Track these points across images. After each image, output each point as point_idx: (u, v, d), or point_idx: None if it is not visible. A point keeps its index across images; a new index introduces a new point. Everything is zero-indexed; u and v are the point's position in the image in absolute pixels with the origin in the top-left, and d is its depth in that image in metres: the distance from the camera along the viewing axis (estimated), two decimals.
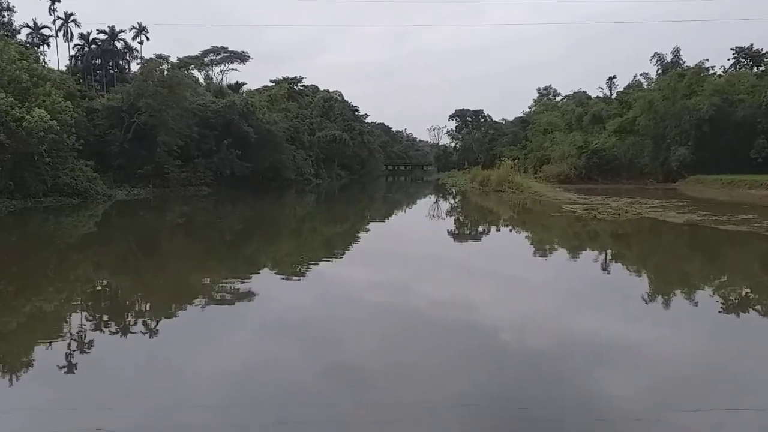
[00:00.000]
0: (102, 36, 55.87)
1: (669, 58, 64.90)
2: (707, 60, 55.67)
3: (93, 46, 55.82)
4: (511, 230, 23.52)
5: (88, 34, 55.25)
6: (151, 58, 47.28)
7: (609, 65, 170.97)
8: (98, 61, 56.44)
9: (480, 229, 24.53)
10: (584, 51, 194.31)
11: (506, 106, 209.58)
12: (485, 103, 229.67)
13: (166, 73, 41.35)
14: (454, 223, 27.05)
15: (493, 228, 24.13)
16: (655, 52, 65.27)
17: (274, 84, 75.02)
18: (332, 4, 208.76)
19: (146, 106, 39.61)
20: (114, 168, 41.71)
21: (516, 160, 47.24)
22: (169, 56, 47.71)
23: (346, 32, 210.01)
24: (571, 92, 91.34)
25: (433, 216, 30.34)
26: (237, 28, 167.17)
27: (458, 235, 22.19)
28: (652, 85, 62.92)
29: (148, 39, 57.66)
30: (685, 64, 62.75)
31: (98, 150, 41.71)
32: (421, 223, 26.93)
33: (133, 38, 57.42)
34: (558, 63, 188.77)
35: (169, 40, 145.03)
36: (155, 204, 37.14)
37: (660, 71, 65.28)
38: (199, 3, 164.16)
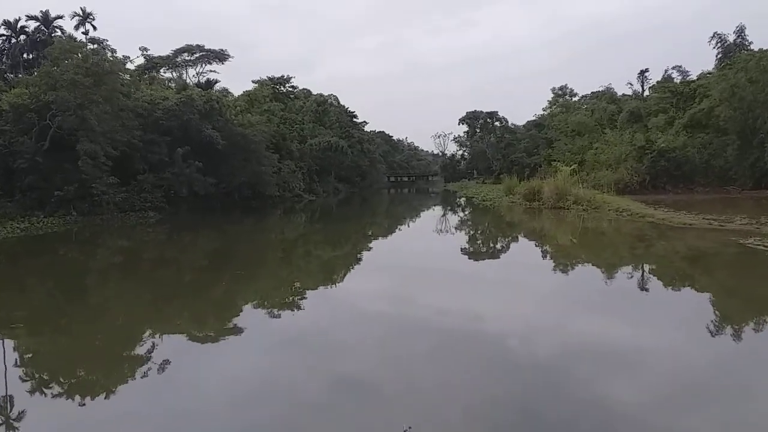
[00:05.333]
0: (33, 24, 44.49)
1: (731, 38, 54.05)
2: None
3: (22, 36, 44.40)
4: None
5: (16, 21, 43.87)
6: (69, 36, 35.42)
7: (609, 70, 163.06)
8: (31, 55, 44.91)
9: None
10: (581, 57, 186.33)
11: (509, 112, 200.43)
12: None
13: (91, 58, 29.58)
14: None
15: None
16: (715, 32, 54.62)
17: (256, 85, 63.47)
18: (326, 20, 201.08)
19: (60, 102, 28.05)
20: (22, 190, 30.14)
21: (573, 165, 35.44)
22: (105, 40, 36.41)
23: (340, 47, 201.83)
24: (590, 92, 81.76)
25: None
26: (224, 42, 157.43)
27: None
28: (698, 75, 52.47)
29: (95, 28, 46.19)
30: (751, 45, 51.99)
31: (2, 166, 30.25)
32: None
33: (76, 27, 46.00)
34: (558, 69, 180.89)
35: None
36: (79, 239, 25.50)
37: (720, 54, 54.40)
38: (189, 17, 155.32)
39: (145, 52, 35.38)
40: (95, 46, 34.97)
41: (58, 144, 30.56)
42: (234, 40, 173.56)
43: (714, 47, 53.95)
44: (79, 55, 29.39)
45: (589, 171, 43.39)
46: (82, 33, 45.97)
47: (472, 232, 27.92)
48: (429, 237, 25.56)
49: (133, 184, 32.72)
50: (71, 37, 42.72)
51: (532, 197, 32.44)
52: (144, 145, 32.80)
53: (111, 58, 33.31)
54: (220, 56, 71.25)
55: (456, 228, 29.56)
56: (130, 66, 38.79)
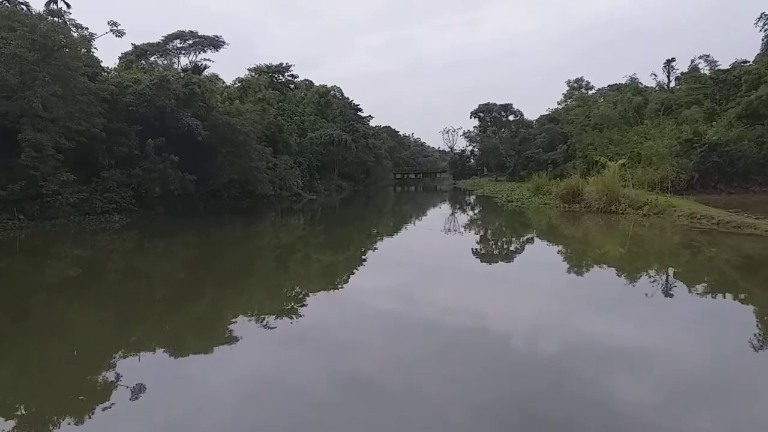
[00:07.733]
0: None
1: None
2: None
3: None
4: None
5: None
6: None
7: (613, 68, 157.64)
8: None
9: None
10: (591, 52, 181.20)
11: (519, 108, 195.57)
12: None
13: (39, 29, 24.25)
14: None
15: None
16: (762, 13, 48.81)
17: (251, 73, 58.07)
18: (332, 18, 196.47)
19: None
20: None
21: (622, 160, 29.93)
22: (68, 12, 31.06)
23: (346, 45, 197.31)
24: (607, 84, 76.65)
25: None
26: (230, 40, 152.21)
27: None
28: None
29: (68, 6, 40.83)
30: None
31: None
32: None
33: (47, 5, 40.66)
34: (567, 64, 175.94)
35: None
36: (24, 248, 20.40)
37: (766, 39, 48.88)
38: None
39: (114, 27, 29.89)
40: (57, 19, 29.67)
41: (2, 135, 25.43)
42: (239, 39, 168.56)
43: (761, 30, 48.28)
44: (26, 24, 24.10)
45: (625, 167, 37.78)
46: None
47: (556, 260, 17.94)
48: (469, 254, 20.18)
49: (95, 182, 27.50)
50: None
51: (570, 198, 27.08)
52: (109, 136, 27.52)
53: (71, 30, 28.02)
54: (215, 43, 65.69)
55: (522, 248, 20.66)
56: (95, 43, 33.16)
